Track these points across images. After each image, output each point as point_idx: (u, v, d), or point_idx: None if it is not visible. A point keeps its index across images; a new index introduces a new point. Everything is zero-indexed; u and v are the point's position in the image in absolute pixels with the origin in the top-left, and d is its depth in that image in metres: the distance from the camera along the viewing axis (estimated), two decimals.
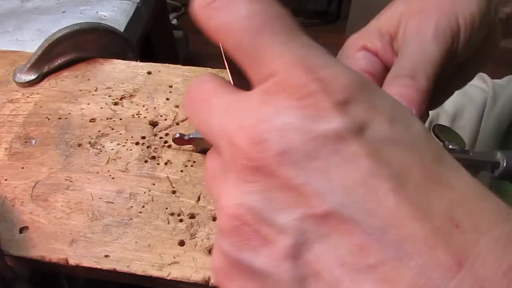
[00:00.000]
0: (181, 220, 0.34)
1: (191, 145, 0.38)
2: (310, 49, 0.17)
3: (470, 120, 0.55)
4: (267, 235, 0.16)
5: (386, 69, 0.32)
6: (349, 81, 0.16)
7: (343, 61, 0.32)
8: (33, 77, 0.44)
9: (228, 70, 0.23)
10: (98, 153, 0.39)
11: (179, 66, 0.46)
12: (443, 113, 0.56)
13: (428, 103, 0.28)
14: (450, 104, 0.56)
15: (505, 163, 0.29)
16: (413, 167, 0.15)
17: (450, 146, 0.29)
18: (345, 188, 0.15)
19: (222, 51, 0.23)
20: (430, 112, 0.55)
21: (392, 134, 0.15)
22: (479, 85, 0.58)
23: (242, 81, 0.24)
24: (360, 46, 0.31)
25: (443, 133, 0.30)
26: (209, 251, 0.32)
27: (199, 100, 0.19)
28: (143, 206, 0.35)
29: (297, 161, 0.15)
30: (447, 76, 0.32)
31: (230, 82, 0.22)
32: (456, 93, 0.57)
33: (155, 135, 0.40)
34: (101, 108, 0.42)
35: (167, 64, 0.46)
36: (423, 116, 0.33)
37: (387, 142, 0.15)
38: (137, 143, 0.39)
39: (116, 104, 0.43)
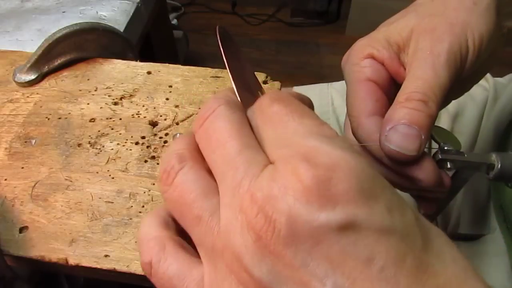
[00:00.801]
0: None
1: None
2: (321, 139, 0.19)
3: (471, 118, 0.55)
4: None
5: (391, 78, 0.32)
6: (353, 172, 0.17)
7: (349, 67, 0.33)
8: (33, 77, 0.44)
9: (232, 79, 0.23)
10: (98, 153, 0.39)
11: (179, 66, 0.46)
12: (445, 112, 0.56)
13: None
14: (451, 102, 0.56)
15: (499, 165, 0.29)
16: (406, 257, 0.17)
17: (446, 148, 0.29)
18: (344, 274, 0.16)
19: (225, 59, 0.23)
20: None
21: (390, 224, 0.17)
22: (481, 84, 0.58)
23: (245, 90, 0.24)
24: (367, 54, 0.32)
25: (439, 134, 0.30)
26: None
27: (214, 139, 0.20)
28: (143, 206, 0.35)
29: (302, 246, 0.17)
30: (457, 85, 0.32)
31: (239, 101, 0.22)
32: None
33: (155, 135, 0.40)
34: (101, 108, 0.42)
35: (167, 64, 0.46)
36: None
37: (385, 231, 0.17)
38: (137, 143, 0.39)
39: (116, 104, 0.43)
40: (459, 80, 0.31)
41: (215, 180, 0.21)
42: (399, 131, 0.28)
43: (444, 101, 0.30)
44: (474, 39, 0.30)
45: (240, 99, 0.22)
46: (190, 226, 0.21)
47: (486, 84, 0.58)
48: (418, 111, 0.28)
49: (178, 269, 0.21)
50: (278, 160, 0.19)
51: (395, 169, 0.30)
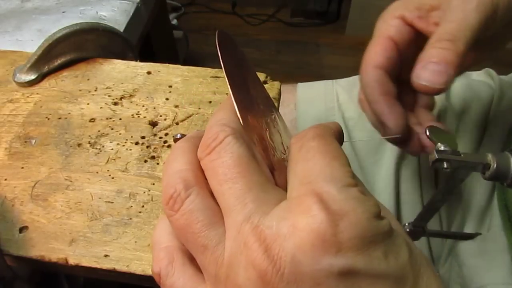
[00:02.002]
0: None
1: None
2: (339, 186, 0.20)
3: (477, 117, 0.55)
4: None
5: (421, 37, 0.35)
6: (358, 223, 0.18)
7: (379, 23, 0.37)
8: (33, 77, 0.44)
9: (233, 99, 0.23)
10: (98, 153, 0.39)
11: (179, 66, 0.46)
12: (450, 110, 0.55)
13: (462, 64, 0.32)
14: (457, 100, 0.56)
15: (495, 165, 0.29)
16: None
17: (442, 148, 0.29)
18: None
19: (224, 70, 0.23)
20: (437, 108, 0.55)
21: (386, 268, 0.18)
22: (487, 81, 0.58)
23: (247, 103, 0.24)
24: (398, 14, 0.36)
25: (435, 134, 0.30)
26: None
27: (221, 173, 0.21)
28: (143, 206, 0.35)
29: (302, 286, 0.18)
30: (479, 46, 0.35)
31: (240, 121, 0.23)
32: (463, 88, 0.57)
33: (155, 135, 0.40)
34: (100, 108, 0.42)
35: (167, 64, 0.46)
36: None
37: (381, 276, 0.18)
38: (136, 143, 0.39)
39: (115, 104, 0.43)
40: (489, 34, 0.33)
41: (219, 207, 0.21)
42: (429, 68, 0.31)
43: (474, 43, 0.32)
44: None
45: (242, 122, 0.23)
46: (195, 252, 0.21)
47: (491, 82, 0.57)
48: (446, 50, 0.31)
49: (184, 285, 0.22)
50: (295, 197, 0.20)
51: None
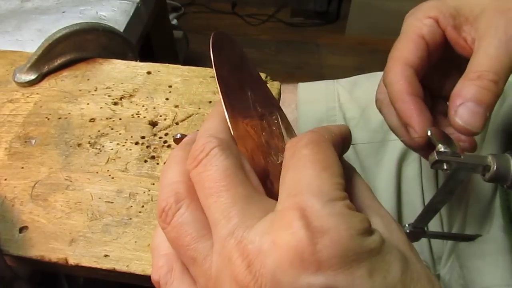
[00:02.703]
0: None
1: None
2: (325, 201, 0.19)
3: None
4: None
5: (443, 46, 0.34)
6: (340, 240, 0.18)
7: (411, 20, 0.35)
8: (33, 77, 0.44)
9: (224, 105, 0.23)
10: (98, 153, 0.39)
11: (179, 66, 0.46)
12: None
13: None
14: None
15: (495, 167, 0.29)
16: None
17: (442, 149, 0.29)
18: None
19: (216, 75, 0.23)
20: None
21: (371, 287, 0.18)
22: None
23: (238, 105, 0.24)
24: (433, 15, 0.34)
25: (437, 136, 0.30)
26: None
27: (207, 187, 0.21)
28: (143, 206, 0.35)
29: None
30: None
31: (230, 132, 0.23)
32: None
33: (155, 135, 0.40)
34: (100, 108, 0.42)
35: (167, 64, 0.46)
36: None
37: None
38: (136, 143, 0.39)
39: (115, 104, 0.43)
40: None
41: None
42: (468, 108, 0.29)
43: None
44: None
45: (232, 129, 0.23)
46: (187, 264, 0.22)
47: None
48: (488, 91, 0.30)
49: None
50: (280, 210, 0.20)
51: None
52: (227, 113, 0.23)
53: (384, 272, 0.19)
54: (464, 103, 0.30)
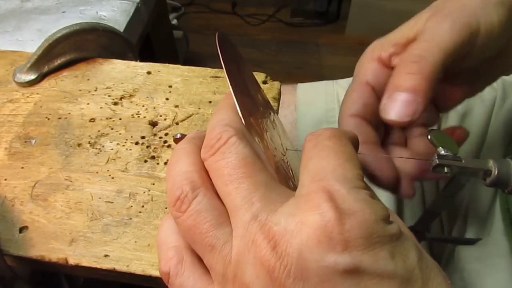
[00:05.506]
0: None
1: None
2: (350, 187, 0.20)
3: (479, 118, 0.54)
4: None
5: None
6: (365, 222, 0.19)
7: (357, 67, 0.34)
8: (33, 77, 0.44)
9: (235, 100, 0.23)
10: (98, 153, 0.39)
11: (179, 66, 0.46)
12: (453, 111, 0.55)
13: (434, 91, 0.28)
14: None
15: (496, 171, 0.29)
16: None
17: (443, 152, 0.29)
18: None
19: (225, 70, 0.23)
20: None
21: (392, 269, 0.19)
22: None
23: (246, 102, 0.24)
24: (375, 56, 0.33)
25: (437, 139, 0.30)
26: None
27: (227, 174, 0.21)
28: (143, 206, 0.35)
29: (308, 282, 0.18)
30: (468, 78, 0.33)
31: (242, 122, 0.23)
32: None
33: (155, 135, 0.40)
34: (100, 108, 0.42)
35: (167, 64, 0.46)
36: (432, 112, 0.34)
37: (387, 276, 0.18)
38: (136, 143, 0.39)
39: (115, 104, 0.43)
40: (473, 63, 0.31)
41: (225, 207, 0.21)
42: (394, 99, 0.28)
43: (447, 66, 0.29)
44: (486, 23, 0.29)
45: (245, 122, 0.23)
46: (202, 252, 0.22)
47: (494, 83, 0.57)
48: (413, 74, 0.28)
49: (194, 284, 0.22)
50: (305, 193, 0.20)
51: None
52: (239, 107, 0.23)
53: (403, 257, 0.19)
54: (390, 96, 0.29)
